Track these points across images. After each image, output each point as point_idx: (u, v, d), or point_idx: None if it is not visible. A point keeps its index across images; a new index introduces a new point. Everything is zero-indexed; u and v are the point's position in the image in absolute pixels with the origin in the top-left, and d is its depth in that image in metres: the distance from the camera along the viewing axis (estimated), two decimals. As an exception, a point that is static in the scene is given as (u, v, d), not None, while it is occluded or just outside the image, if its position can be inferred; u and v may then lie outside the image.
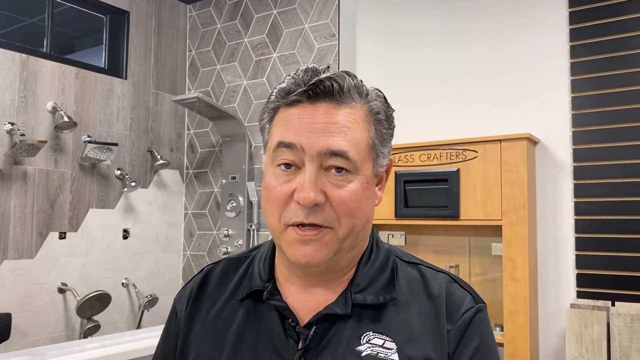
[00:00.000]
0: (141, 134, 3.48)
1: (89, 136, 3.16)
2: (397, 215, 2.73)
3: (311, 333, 0.80)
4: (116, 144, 3.18)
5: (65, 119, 2.94)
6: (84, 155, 3.07)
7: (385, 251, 0.88)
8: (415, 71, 3.03)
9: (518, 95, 2.71)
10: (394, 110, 0.86)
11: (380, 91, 0.85)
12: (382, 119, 0.81)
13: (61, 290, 3.01)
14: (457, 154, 2.61)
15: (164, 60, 3.67)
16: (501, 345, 2.46)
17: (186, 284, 0.97)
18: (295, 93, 0.78)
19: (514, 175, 2.46)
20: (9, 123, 2.82)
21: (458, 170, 2.59)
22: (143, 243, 3.46)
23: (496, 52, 2.79)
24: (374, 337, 0.79)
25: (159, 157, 3.48)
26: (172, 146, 3.69)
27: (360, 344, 0.78)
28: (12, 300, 2.80)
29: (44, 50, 3.09)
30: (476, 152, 2.56)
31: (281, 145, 0.77)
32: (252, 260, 0.92)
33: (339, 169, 0.76)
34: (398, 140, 2.95)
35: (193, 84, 3.78)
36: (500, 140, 2.51)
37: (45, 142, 2.85)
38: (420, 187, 2.69)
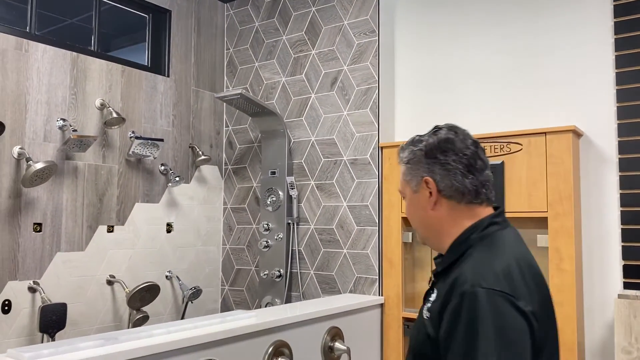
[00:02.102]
0: (183, 130, 3.56)
1: (133, 132, 3.24)
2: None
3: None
4: (162, 140, 3.26)
5: (114, 115, 3.02)
6: (130, 152, 3.15)
7: (464, 248, 1.22)
8: (457, 65, 3.06)
9: (562, 88, 2.74)
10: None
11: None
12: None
13: (109, 282, 3.09)
14: (502, 146, 2.64)
15: (203, 58, 3.74)
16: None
17: None
18: None
19: (559, 167, 2.49)
20: (60, 119, 2.91)
21: (502, 163, 2.62)
22: (185, 237, 3.54)
23: (539, 45, 2.82)
24: (435, 290, 1.25)
25: (200, 152, 3.55)
26: (211, 142, 3.76)
27: (435, 288, 1.26)
28: (65, 291, 2.89)
29: (92, 48, 3.17)
30: (521, 145, 2.59)
31: None
32: None
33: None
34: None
35: (231, 81, 3.85)
36: (545, 132, 2.54)
37: (96, 137, 2.94)
38: (464, 180, 2.72)
